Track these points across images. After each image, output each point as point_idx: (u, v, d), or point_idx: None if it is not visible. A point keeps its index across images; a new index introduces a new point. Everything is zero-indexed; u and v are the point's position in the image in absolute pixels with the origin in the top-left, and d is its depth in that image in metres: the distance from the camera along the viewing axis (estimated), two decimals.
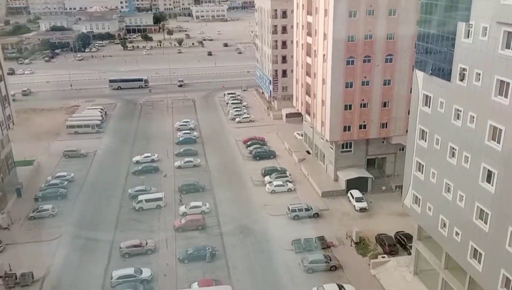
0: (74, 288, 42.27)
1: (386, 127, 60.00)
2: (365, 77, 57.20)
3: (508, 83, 28.03)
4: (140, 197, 57.28)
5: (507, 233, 28.99)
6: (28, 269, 43.34)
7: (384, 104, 58.88)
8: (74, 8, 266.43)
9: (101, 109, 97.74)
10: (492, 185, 29.99)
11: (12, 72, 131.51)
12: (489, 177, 30.40)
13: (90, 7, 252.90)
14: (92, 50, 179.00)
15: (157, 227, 52.84)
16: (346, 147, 61.64)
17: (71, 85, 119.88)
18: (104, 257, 47.06)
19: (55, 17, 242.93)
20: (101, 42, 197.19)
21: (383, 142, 61.91)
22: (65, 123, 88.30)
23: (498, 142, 29.18)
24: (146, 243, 47.99)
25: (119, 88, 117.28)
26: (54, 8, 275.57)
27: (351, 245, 48.23)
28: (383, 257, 45.21)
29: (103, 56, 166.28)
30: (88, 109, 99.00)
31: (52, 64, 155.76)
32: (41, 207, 55.66)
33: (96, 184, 64.85)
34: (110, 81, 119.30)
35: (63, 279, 43.50)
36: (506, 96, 28.24)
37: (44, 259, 46.05)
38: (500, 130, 28.87)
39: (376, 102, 58.52)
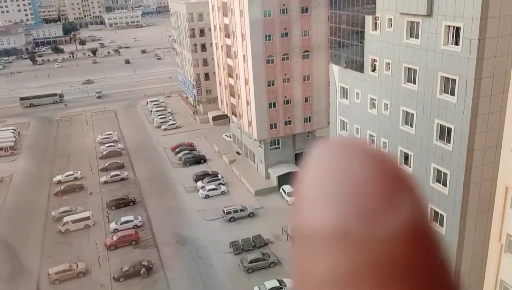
0: None
1: (310, 121, 61.89)
2: (285, 74, 58.56)
3: (415, 70, 29.99)
4: (66, 219, 54.01)
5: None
6: None
7: (306, 99, 60.70)
8: None
9: (14, 129, 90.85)
10: (409, 167, 31.96)
11: None
12: (406, 159, 32.37)
13: None
14: None
15: (87, 247, 50.14)
16: (274, 144, 62.75)
17: None
18: (32, 286, 43.77)
19: None
20: (7, 58, 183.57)
21: (308, 136, 63.85)
22: None
23: (411, 126, 31.14)
24: (77, 266, 45.37)
25: (32, 105, 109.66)
26: None
27: (287, 240, 49.12)
28: None
29: (11, 73, 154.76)
30: None
31: None
32: None
33: (15, 210, 60.14)
34: (21, 98, 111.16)
35: None
36: (414, 83, 30.20)
37: None
38: (412, 114, 30.81)
39: (298, 98, 60.15)
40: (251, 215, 54.26)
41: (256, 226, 51.74)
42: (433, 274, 0.52)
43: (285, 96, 59.53)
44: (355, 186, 0.52)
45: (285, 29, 56.58)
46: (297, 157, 64.79)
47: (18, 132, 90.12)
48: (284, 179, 60.47)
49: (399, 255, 0.51)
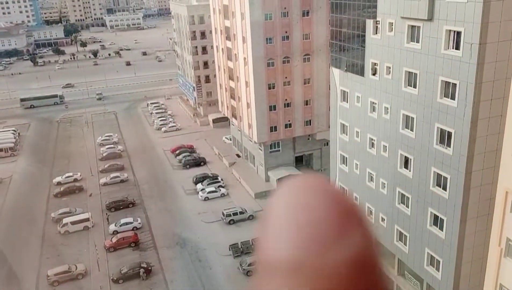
0: None
1: (310, 125, 61.93)
2: (286, 77, 58.61)
3: (415, 74, 30.04)
4: (65, 220, 53.95)
5: (427, 214, 31.04)
6: None
7: (306, 102, 60.75)
8: None
9: (14, 130, 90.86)
10: (410, 170, 31.97)
11: None
12: (406, 163, 32.40)
13: None
14: None
15: (86, 249, 50.07)
16: (274, 147, 62.75)
17: None
18: (31, 288, 43.70)
19: None
20: (8, 59, 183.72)
21: (308, 139, 63.86)
22: None
23: (412, 129, 31.17)
24: (76, 268, 45.30)
25: (32, 106, 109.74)
26: None
27: None
28: None
29: (12, 74, 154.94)
30: None
31: None
32: None
33: (15, 211, 60.07)
34: (22, 100, 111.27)
35: None
36: (415, 87, 30.25)
37: None
38: (412, 118, 30.85)
39: (299, 101, 60.19)
40: (251, 217, 54.21)
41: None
42: None
43: (286, 99, 59.58)
44: (310, 220, 0.57)
45: (286, 32, 56.68)
46: (297, 160, 64.77)
47: (18, 133, 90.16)
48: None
49: (346, 283, 0.55)
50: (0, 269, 46.87)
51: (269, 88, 58.35)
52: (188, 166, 70.37)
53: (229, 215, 53.52)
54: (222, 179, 64.07)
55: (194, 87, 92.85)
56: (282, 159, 63.17)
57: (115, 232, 51.94)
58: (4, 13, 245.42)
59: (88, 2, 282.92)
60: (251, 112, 60.44)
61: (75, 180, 67.50)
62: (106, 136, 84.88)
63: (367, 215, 0.61)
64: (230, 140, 77.91)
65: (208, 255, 47.50)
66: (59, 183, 66.68)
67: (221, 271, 44.68)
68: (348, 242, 0.57)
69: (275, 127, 60.32)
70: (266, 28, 55.63)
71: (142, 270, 44.00)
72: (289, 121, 60.61)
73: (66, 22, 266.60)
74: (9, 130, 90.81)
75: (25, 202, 62.60)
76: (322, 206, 0.59)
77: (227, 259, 46.44)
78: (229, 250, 47.42)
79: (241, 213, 53.98)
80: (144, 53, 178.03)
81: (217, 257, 47.01)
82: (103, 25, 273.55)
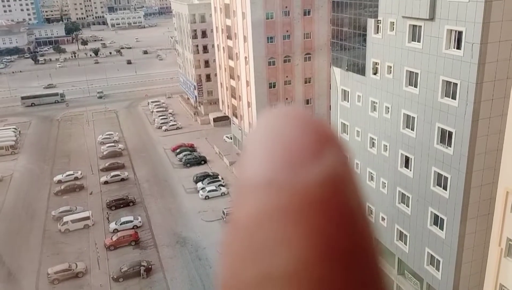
0: None
1: None
2: (287, 76, 58.62)
3: (416, 73, 30.03)
4: (66, 218, 54.00)
5: (428, 214, 31.04)
6: None
7: (307, 102, 60.76)
8: None
9: (15, 128, 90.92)
10: (410, 170, 31.97)
11: None
12: (406, 162, 32.40)
13: None
14: (0, 67, 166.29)
15: (86, 247, 50.12)
16: None
17: None
18: (31, 286, 43.75)
19: None
20: (9, 57, 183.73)
21: None
22: None
23: (412, 129, 31.16)
24: (76, 266, 45.36)
25: (33, 104, 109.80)
26: None
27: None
28: None
29: (13, 72, 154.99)
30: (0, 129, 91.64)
31: None
32: None
33: (15, 209, 60.15)
34: (22, 98, 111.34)
35: None
36: (416, 86, 30.23)
37: None
38: (413, 117, 30.84)
39: (299, 100, 60.19)
40: None
41: None
42: (348, 215, 0.59)
43: (286, 98, 59.56)
44: (286, 142, 0.61)
45: (287, 31, 56.65)
46: None
47: (19, 131, 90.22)
48: None
49: (318, 198, 0.58)
50: (1, 267, 46.94)
51: (270, 87, 58.35)
52: (188, 165, 70.39)
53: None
54: (222, 178, 64.09)
55: (195, 86, 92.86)
56: None
57: (116, 231, 51.99)
58: (5, 11, 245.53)
59: (89, 0, 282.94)
60: (252, 111, 60.44)
61: (76, 178, 67.54)
62: (107, 135, 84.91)
63: (342, 140, 0.65)
64: (231, 139, 77.91)
65: (208, 254, 47.53)
66: (59, 181, 66.72)
67: None
68: (321, 162, 0.60)
69: None
70: (267, 27, 55.60)
71: (142, 268, 44.05)
72: None
73: (67, 20, 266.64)
74: (9, 128, 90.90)
75: (25, 200, 62.66)
76: (298, 130, 0.63)
77: None
78: None
79: None
80: (145, 52, 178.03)
81: (217, 255, 47.03)
82: (104, 23, 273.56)
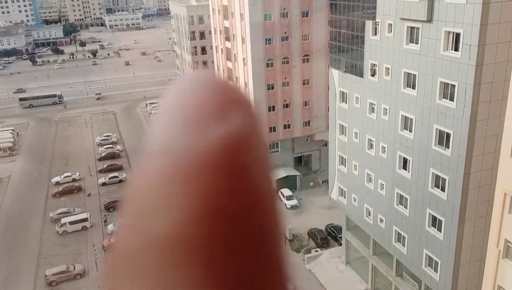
0: None
1: (309, 125, 61.96)
2: (285, 78, 58.64)
3: (414, 75, 30.09)
4: (63, 220, 53.90)
5: (426, 215, 31.08)
6: None
7: (305, 103, 60.77)
8: None
9: (12, 130, 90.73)
10: (408, 172, 32.00)
11: None
12: (404, 164, 32.44)
13: None
14: None
15: (84, 249, 50.01)
16: (273, 148, 62.76)
17: None
18: (29, 288, 43.61)
19: None
20: (7, 58, 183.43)
21: (307, 139, 63.88)
22: None
23: (410, 130, 31.21)
24: (74, 268, 45.25)
25: (31, 106, 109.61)
26: None
27: (285, 243, 48.92)
28: (316, 251, 46.56)
29: (11, 74, 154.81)
30: None
31: None
32: None
33: (13, 211, 59.99)
34: (20, 99, 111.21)
35: None
36: (413, 88, 30.29)
37: None
38: (411, 119, 30.89)
39: (298, 101, 60.23)
40: None
41: None
42: (241, 179, 0.58)
43: (285, 100, 59.60)
44: (192, 107, 0.61)
45: (285, 32, 56.70)
46: (296, 161, 64.79)
47: (17, 133, 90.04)
48: (282, 182, 60.41)
49: (209, 162, 0.57)
50: None
51: (268, 89, 58.39)
52: None
53: None
54: None
55: None
56: (281, 160, 63.16)
57: (113, 232, 51.81)
58: (3, 12, 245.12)
59: (88, 2, 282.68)
60: None
61: (74, 180, 67.43)
62: (105, 136, 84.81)
63: (250, 104, 0.65)
64: None
65: None
66: (57, 183, 66.59)
67: None
68: (221, 126, 0.59)
69: (274, 127, 60.34)
70: (265, 28, 55.65)
71: None
72: (288, 121, 60.62)
73: (65, 22, 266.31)
74: (7, 130, 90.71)
75: (23, 201, 62.51)
76: (204, 94, 0.62)
77: None
78: None
79: None
80: (144, 53, 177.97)
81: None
82: (103, 25, 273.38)
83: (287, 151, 63.54)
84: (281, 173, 61.26)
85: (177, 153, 0.58)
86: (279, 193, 58.96)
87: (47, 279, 44.13)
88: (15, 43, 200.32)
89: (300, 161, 65.41)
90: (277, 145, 62.81)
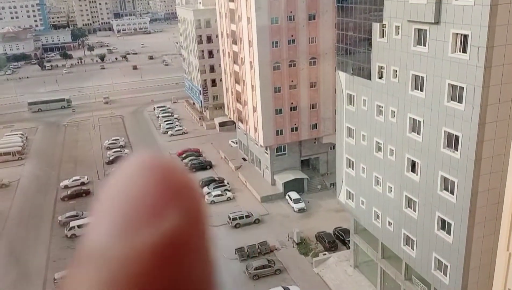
0: None
1: (316, 128, 61.83)
2: (292, 81, 58.63)
3: (422, 77, 29.95)
4: (72, 223, 54.17)
5: (435, 219, 30.84)
6: None
7: (312, 106, 60.69)
8: None
9: (22, 134, 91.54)
10: (417, 174, 31.80)
11: None
12: (413, 167, 32.24)
13: (2, 28, 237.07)
14: (7, 73, 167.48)
15: None
16: (281, 151, 62.70)
17: None
18: None
19: None
20: (16, 63, 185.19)
21: (314, 142, 63.75)
22: None
23: (419, 133, 31.04)
24: None
25: (40, 110, 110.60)
26: None
27: (293, 247, 48.93)
28: (324, 255, 46.38)
29: (20, 78, 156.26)
30: (6, 135, 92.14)
31: None
32: None
33: (22, 214, 60.47)
34: (29, 103, 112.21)
35: None
36: (421, 90, 30.14)
37: None
38: (419, 122, 30.73)
39: (305, 104, 60.16)
40: (257, 221, 54.15)
41: (262, 233, 51.62)
42: (177, 285, 0.56)
43: (292, 103, 59.58)
44: (127, 205, 0.57)
45: (292, 36, 56.73)
46: (304, 164, 64.67)
47: (26, 137, 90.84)
48: (290, 185, 60.33)
49: (150, 268, 0.54)
50: (8, 273, 47.11)
51: (275, 92, 58.40)
52: (194, 170, 70.46)
53: (235, 219, 53.50)
54: (228, 183, 64.10)
55: (200, 91, 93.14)
56: (288, 163, 63.09)
57: None
58: (12, 18, 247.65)
59: (95, 7, 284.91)
60: (257, 116, 60.50)
61: (82, 183, 67.84)
62: (113, 140, 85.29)
63: (193, 193, 0.60)
64: (236, 143, 77.98)
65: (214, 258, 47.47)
66: (66, 187, 67.03)
67: (227, 275, 44.62)
68: (159, 226, 0.55)
69: (281, 130, 60.31)
70: (272, 32, 55.73)
71: None
72: (295, 124, 60.57)
73: (74, 27, 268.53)
74: (16, 134, 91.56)
75: (32, 205, 62.99)
76: (142, 189, 0.58)
77: (233, 262, 46.40)
78: (235, 253, 47.39)
79: (247, 217, 53.94)
80: (151, 57, 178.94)
81: (223, 260, 46.96)
82: (110, 29, 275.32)
83: (294, 154, 63.47)
84: (289, 176, 61.17)
85: (113, 259, 0.55)
86: (287, 196, 58.83)
87: (56, 282, 44.35)
88: (24, 48, 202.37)
89: (307, 164, 65.28)
90: (284, 148, 62.74)
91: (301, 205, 56.68)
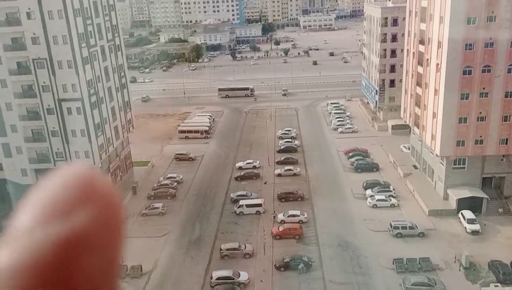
0: (177, 284, 44.91)
1: (506, 143, 54.44)
2: (483, 88, 52.61)
3: None
4: (241, 202, 59.04)
5: None
6: (137, 263, 47.04)
7: (505, 118, 53.52)
8: (190, 21, 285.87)
9: (210, 116, 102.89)
10: None
11: (134, 80, 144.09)
12: None
13: (205, 20, 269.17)
14: (204, 61, 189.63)
15: (255, 232, 53.96)
16: (459, 164, 57.08)
17: (184, 93, 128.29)
18: (206, 257, 49.30)
19: (173, 30, 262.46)
20: (213, 52, 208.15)
21: (502, 159, 56.22)
22: (177, 128, 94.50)
23: None
24: (245, 247, 49.25)
25: (227, 96, 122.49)
26: (173, 21, 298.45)
27: (459, 270, 44.38)
28: (496, 286, 40.95)
29: (214, 66, 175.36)
30: (198, 115, 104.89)
31: (169, 73, 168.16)
32: (152, 205, 60.23)
33: (202, 186, 68.38)
34: (219, 89, 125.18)
35: (167, 275, 46.49)
36: None
37: (152, 254, 49.67)
38: None
39: (496, 115, 53.43)
40: (421, 235, 50.64)
41: (425, 248, 48.09)
42: (72, 283, 0.62)
43: (480, 112, 53.49)
44: (45, 201, 0.68)
45: (491, 38, 50.67)
46: (485, 182, 57.65)
47: (213, 119, 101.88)
48: (465, 203, 54.58)
49: (46, 261, 0.63)
50: (183, 236, 54.02)
51: (462, 98, 53.19)
52: (359, 170, 69.35)
53: (397, 228, 50.97)
54: (394, 189, 61.32)
55: (376, 91, 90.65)
56: (466, 178, 57.01)
57: (283, 222, 54.62)
58: (214, 11, 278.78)
59: (286, 3, 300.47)
60: (437, 122, 56.08)
61: (254, 167, 73.13)
62: (286, 130, 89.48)
63: (111, 203, 0.67)
64: (408, 149, 73.79)
65: (369, 264, 46.25)
66: (240, 168, 73.20)
67: (381, 284, 43.03)
68: (68, 221, 0.65)
69: (463, 141, 54.78)
70: (467, 32, 50.69)
71: (301, 264, 45.33)
72: (480, 136, 54.30)
73: (265, 22, 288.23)
74: (206, 115, 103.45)
75: (211, 180, 70.69)
76: (64, 190, 0.69)
77: (389, 272, 44.46)
78: (393, 264, 45.27)
79: (410, 228, 50.87)
80: (331, 54, 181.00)
81: (379, 268, 45.38)
82: (297, 25, 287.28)
83: (474, 169, 57.04)
84: (465, 192, 55.35)
85: (21, 249, 0.65)
86: (460, 214, 53.48)
87: (222, 252, 49.11)
88: (220, 39, 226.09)
89: (489, 183, 57.98)
90: (463, 161, 56.92)
91: (476, 226, 50.83)
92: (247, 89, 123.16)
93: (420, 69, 62.71)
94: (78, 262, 0.63)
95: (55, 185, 0.73)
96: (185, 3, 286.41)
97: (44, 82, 57.02)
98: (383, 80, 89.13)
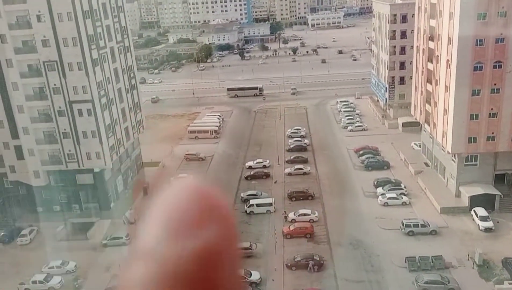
0: None
1: None
2: (495, 84, 52.05)
3: None
4: (252, 201, 59.13)
5: None
6: None
7: None
8: (199, 21, 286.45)
9: (219, 116, 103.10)
10: None
11: (143, 81, 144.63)
12: None
13: (213, 20, 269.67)
14: (213, 60, 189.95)
15: (266, 231, 53.98)
16: (471, 161, 56.55)
17: (193, 93, 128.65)
18: None
19: (182, 30, 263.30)
20: (221, 52, 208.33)
21: None
22: (187, 129, 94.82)
23: None
24: (256, 247, 49.29)
25: (236, 96, 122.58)
26: (181, 22, 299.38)
27: (473, 268, 44.01)
28: (510, 283, 40.53)
29: (223, 66, 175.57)
30: (207, 115, 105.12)
31: (178, 74, 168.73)
32: None
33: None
34: (228, 89, 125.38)
35: None
36: None
37: None
38: None
39: (508, 111, 52.85)
40: (433, 233, 50.27)
41: (437, 246, 47.74)
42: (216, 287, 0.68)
43: (492, 108, 52.93)
44: (174, 218, 0.74)
45: (501, 34, 50.10)
46: (498, 179, 57.03)
47: (222, 119, 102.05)
48: (477, 200, 54.04)
49: (185, 271, 0.67)
50: None
51: (473, 95, 52.68)
52: (370, 168, 69.01)
53: (409, 226, 50.65)
54: (405, 187, 60.93)
55: (386, 88, 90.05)
56: (478, 175, 56.45)
57: (293, 221, 54.58)
58: (222, 11, 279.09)
59: (294, 2, 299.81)
60: (448, 119, 55.60)
61: (264, 166, 73.16)
62: (295, 129, 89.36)
63: (227, 213, 0.75)
64: (419, 146, 73.24)
65: (381, 262, 46.03)
66: (250, 167, 73.29)
67: (394, 282, 42.81)
68: (198, 236, 0.70)
69: (475, 138, 54.24)
70: (477, 28, 50.16)
71: (312, 263, 45.22)
72: (492, 133, 53.72)
73: (273, 20, 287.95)
74: (215, 115, 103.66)
75: (221, 179, 70.80)
76: (187, 204, 0.75)
77: (401, 271, 44.21)
78: (405, 262, 45.02)
79: (422, 225, 50.53)
80: (340, 52, 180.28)
81: (391, 266, 45.14)
82: (305, 23, 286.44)
83: (487, 166, 56.46)
84: (477, 189, 54.83)
85: (160, 260, 0.71)
86: (472, 212, 53.04)
87: None
88: (229, 39, 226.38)
89: (502, 180, 57.35)
90: (475, 158, 56.37)
91: (489, 224, 50.33)
92: (256, 88, 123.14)
93: (430, 66, 62.20)
94: (216, 274, 0.69)
95: (179, 198, 0.78)
96: (193, 4, 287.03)
97: (55, 84, 57.58)
98: (393, 77, 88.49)
